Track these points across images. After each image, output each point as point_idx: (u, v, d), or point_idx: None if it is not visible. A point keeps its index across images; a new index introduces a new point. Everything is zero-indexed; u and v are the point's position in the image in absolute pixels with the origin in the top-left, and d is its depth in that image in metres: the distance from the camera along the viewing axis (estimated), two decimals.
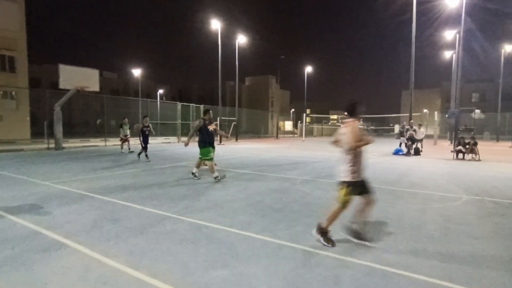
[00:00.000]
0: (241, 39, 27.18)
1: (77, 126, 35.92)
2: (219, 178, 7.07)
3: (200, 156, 7.22)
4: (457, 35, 24.60)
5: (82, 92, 15.17)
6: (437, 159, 13.13)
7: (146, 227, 3.91)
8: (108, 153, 13.89)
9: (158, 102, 30.06)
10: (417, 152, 14.83)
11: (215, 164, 9.16)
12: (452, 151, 15.56)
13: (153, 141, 21.58)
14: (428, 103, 68.53)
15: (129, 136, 14.22)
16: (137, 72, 38.36)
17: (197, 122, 7.19)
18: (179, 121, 24.64)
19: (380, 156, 14.48)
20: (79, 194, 5.65)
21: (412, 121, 15.24)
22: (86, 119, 39.70)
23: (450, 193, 6.20)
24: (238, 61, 27.54)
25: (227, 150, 16.92)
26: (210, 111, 7.36)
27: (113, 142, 19.82)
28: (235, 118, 27.39)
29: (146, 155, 11.06)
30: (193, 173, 7.40)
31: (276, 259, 3.06)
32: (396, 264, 2.93)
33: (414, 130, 14.80)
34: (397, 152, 15.05)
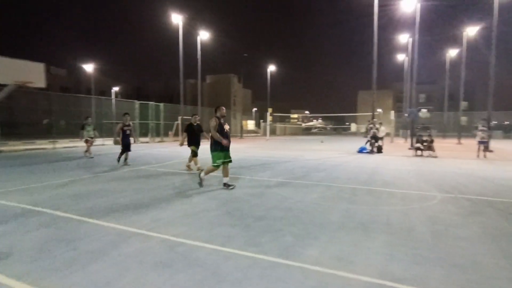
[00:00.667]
0: (203, 36, 26.31)
1: (21, 127, 32.32)
2: (202, 185, 6.35)
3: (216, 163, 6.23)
4: (410, 39, 26.11)
5: (24, 88, 13.42)
6: (398, 157, 13.61)
7: (108, 248, 3.25)
8: (58, 157, 12.46)
9: (113, 100, 28.06)
10: (380, 150, 15.32)
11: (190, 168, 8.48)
12: (410, 148, 16.34)
13: (109, 143, 20.02)
14: (381, 103, 72.57)
15: (94, 138, 12.52)
16: (89, 67, 35.56)
17: (214, 121, 6.08)
18: (137, 121, 23.16)
19: (346, 154, 14.72)
20: (21, 209, 4.73)
21: (375, 119, 15.71)
22: (32, 118, 35.94)
23: (424, 191, 6.25)
24: (200, 58, 26.63)
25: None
26: (222, 107, 6.34)
27: (63, 144, 18.00)
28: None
29: (126, 159, 9.91)
30: (225, 184, 6.30)
31: (270, 281, 2.62)
32: (404, 279, 2.65)
33: (377, 129, 15.27)
34: (361, 150, 15.42)
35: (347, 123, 76.57)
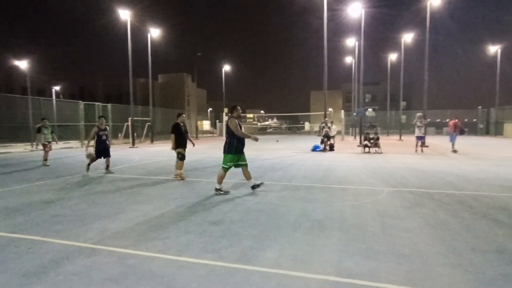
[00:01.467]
0: (154, 33, 25.23)
1: None
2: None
3: (229, 165, 5.96)
4: (357, 43, 27.77)
5: None
6: (349, 154, 14.36)
7: (48, 268, 2.91)
8: None
9: (54, 101, 25.70)
10: (332, 147, 16.02)
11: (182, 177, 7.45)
12: (358, 146, 17.34)
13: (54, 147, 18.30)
14: (332, 102, 76.22)
15: (51, 143, 11.07)
16: (23, 64, 32.13)
17: (234, 122, 5.87)
18: (82, 123, 21.49)
19: (301, 153, 15.14)
20: None
21: (327, 119, 16.39)
22: None
23: (373, 187, 6.63)
24: (150, 55, 25.51)
25: (143, 153, 15.38)
26: (238, 107, 6.08)
27: None
28: (149, 119, 25.30)
29: (107, 166, 8.78)
30: (217, 189, 5.94)
31: None
32: (359, 274, 2.74)
33: (329, 128, 15.94)
34: (315, 149, 15.98)
35: (301, 122, 79.10)
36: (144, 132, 25.18)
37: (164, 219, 4.45)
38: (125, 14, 20.79)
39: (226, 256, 3.15)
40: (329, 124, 16.02)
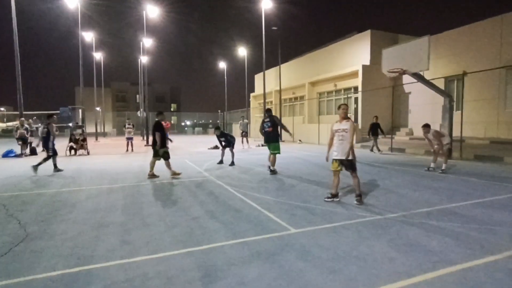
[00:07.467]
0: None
1: None
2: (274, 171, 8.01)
3: (275, 152, 8.06)
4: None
5: None
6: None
7: None
8: None
9: None
10: (34, 152, 14.24)
11: None
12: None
13: None
14: (101, 101, 70.41)
15: None
16: None
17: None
18: None
19: None
20: None
21: (22, 118, 14.36)
22: None
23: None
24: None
25: None
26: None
27: None
28: None
29: None
30: (271, 170, 8.05)
31: None
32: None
33: (26, 129, 14.04)
34: (7, 154, 13.60)
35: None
36: None
37: None
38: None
39: None
40: (25, 125, 14.12)
